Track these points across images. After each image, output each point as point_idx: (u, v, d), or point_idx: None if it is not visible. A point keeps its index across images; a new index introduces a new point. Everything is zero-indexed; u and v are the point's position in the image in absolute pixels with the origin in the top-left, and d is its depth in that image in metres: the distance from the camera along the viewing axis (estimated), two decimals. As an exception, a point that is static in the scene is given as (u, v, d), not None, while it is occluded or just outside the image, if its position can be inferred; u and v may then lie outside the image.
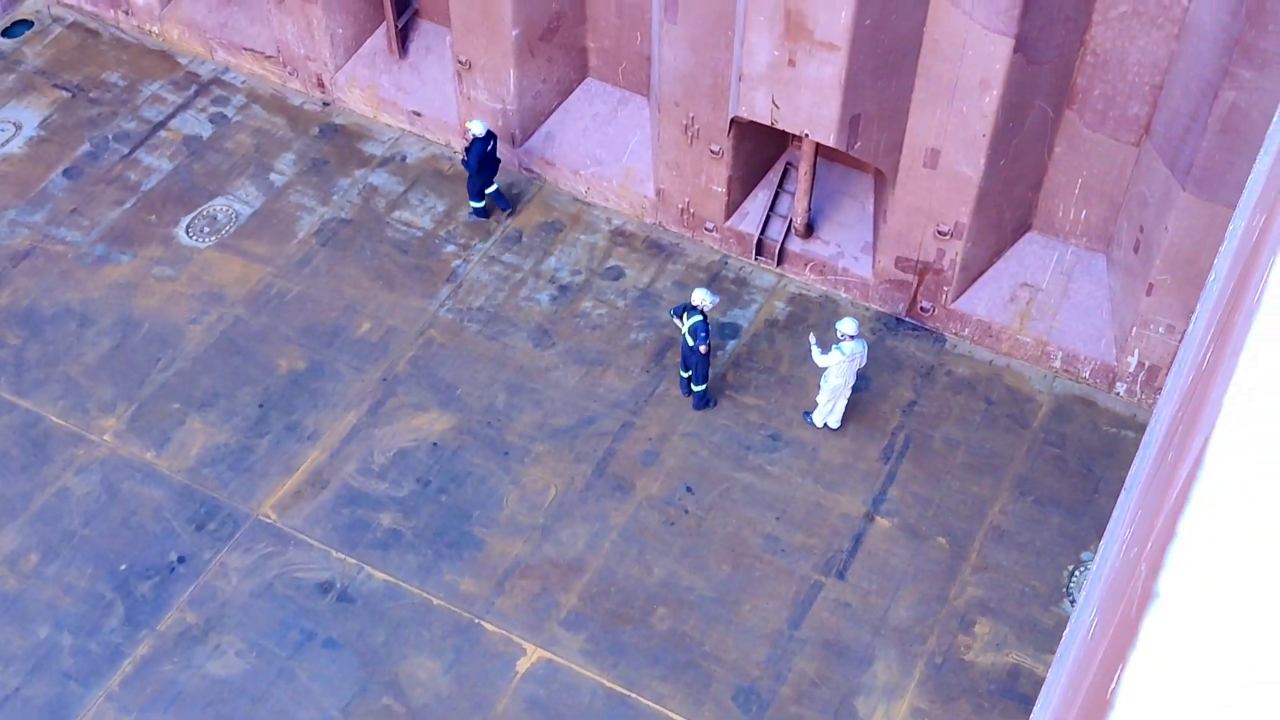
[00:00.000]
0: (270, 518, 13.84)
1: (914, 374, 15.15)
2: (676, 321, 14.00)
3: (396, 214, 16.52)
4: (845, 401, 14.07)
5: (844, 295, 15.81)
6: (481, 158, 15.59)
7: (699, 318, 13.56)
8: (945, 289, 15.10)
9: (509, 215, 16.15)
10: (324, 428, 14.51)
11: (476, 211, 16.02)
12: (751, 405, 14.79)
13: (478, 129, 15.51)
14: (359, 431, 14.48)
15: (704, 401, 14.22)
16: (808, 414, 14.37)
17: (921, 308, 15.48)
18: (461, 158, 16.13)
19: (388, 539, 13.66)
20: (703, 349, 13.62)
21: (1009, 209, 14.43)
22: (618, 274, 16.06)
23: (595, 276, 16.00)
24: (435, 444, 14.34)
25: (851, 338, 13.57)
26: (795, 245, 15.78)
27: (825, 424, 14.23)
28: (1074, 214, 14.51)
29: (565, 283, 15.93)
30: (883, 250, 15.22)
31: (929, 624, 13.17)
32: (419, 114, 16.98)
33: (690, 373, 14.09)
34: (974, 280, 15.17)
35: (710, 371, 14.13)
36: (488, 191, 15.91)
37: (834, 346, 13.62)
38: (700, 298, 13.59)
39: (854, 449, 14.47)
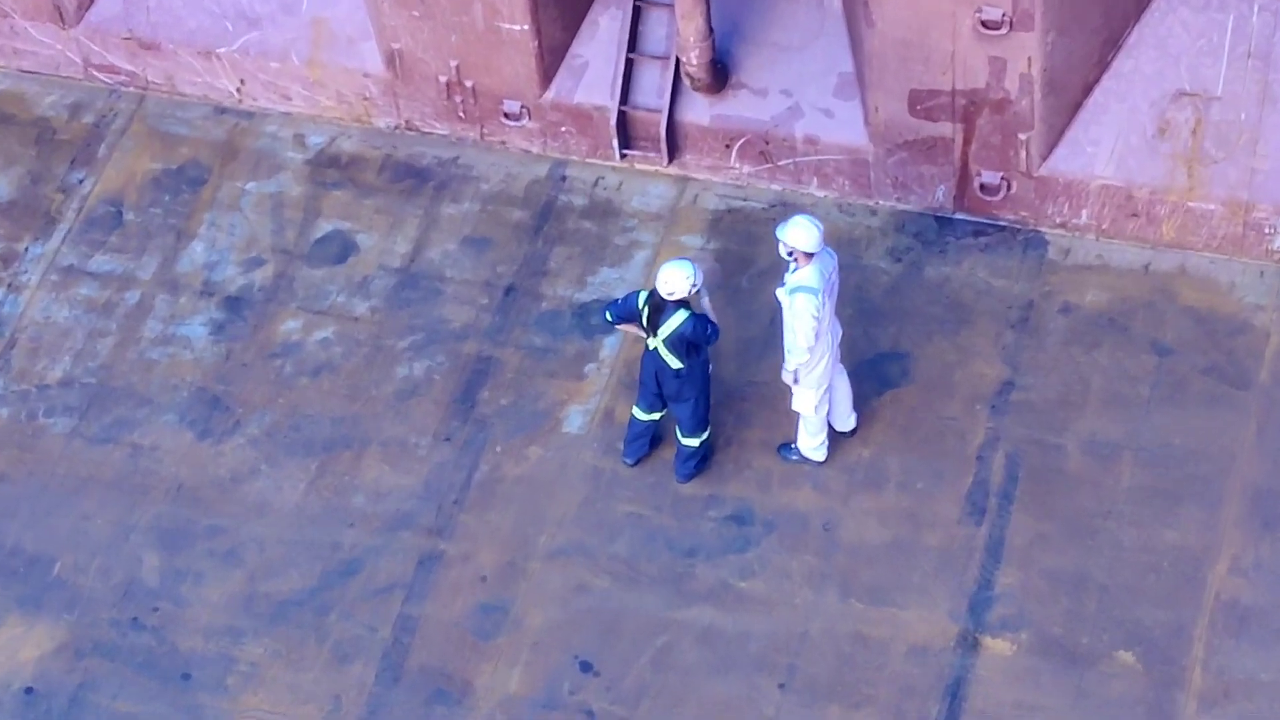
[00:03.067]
0: None
1: (996, 323, 15.21)
2: (631, 329, 14.45)
3: None
4: (846, 390, 14.39)
5: (817, 192, 15.81)
6: None
7: (684, 315, 13.87)
8: (1023, 139, 15.03)
9: None
10: None
11: None
12: (681, 462, 15.31)
13: None
14: None
15: (701, 463, 14.71)
16: (787, 446, 14.58)
17: (982, 187, 15.32)
18: None
19: None
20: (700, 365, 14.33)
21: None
22: (342, 246, 16.07)
23: (296, 261, 16.06)
24: (30, 689, 14.17)
25: (809, 255, 13.61)
26: (697, 112, 15.82)
27: (829, 439, 14.57)
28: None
29: (234, 289, 15.94)
30: (879, 85, 15.10)
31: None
32: None
33: (660, 414, 14.64)
34: (1075, 111, 15.08)
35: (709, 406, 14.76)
36: None
37: (787, 291, 13.78)
38: (676, 278, 13.75)
39: (906, 507, 14.45)
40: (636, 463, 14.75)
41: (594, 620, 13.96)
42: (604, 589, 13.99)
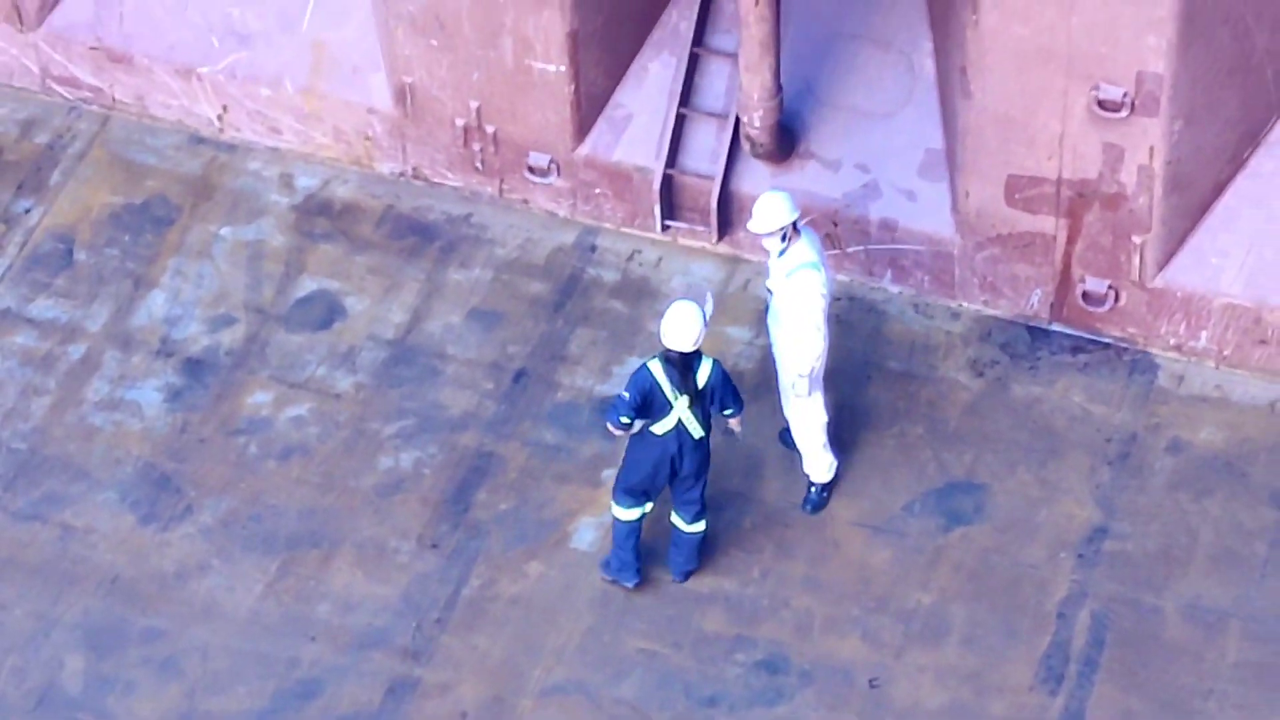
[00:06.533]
0: None
1: (1091, 456, 15.04)
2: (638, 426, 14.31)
3: None
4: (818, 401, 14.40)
5: (891, 287, 15.84)
6: None
7: (709, 362, 13.74)
8: (1137, 243, 14.92)
9: None
10: None
11: None
12: (705, 592, 14.62)
13: None
14: None
15: (702, 553, 14.81)
16: (812, 499, 14.68)
17: (1085, 295, 15.25)
18: None
19: None
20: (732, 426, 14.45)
21: (1262, 34, 14.57)
22: (327, 309, 15.97)
23: (272, 322, 15.91)
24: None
25: (795, 228, 13.81)
26: (756, 181, 15.54)
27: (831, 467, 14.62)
28: None
29: (196, 350, 15.72)
30: (972, 167, 14.99)
31: None
32: None
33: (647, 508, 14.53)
34: (1201, 214, 14.97)
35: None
36: None
37: (785, 274, 14.00)
38: (690, 322, 13.48)
39: (970, 666, 14.05)
40: (641, 581, 14.34)
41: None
42: (612, 742, 14.06)
